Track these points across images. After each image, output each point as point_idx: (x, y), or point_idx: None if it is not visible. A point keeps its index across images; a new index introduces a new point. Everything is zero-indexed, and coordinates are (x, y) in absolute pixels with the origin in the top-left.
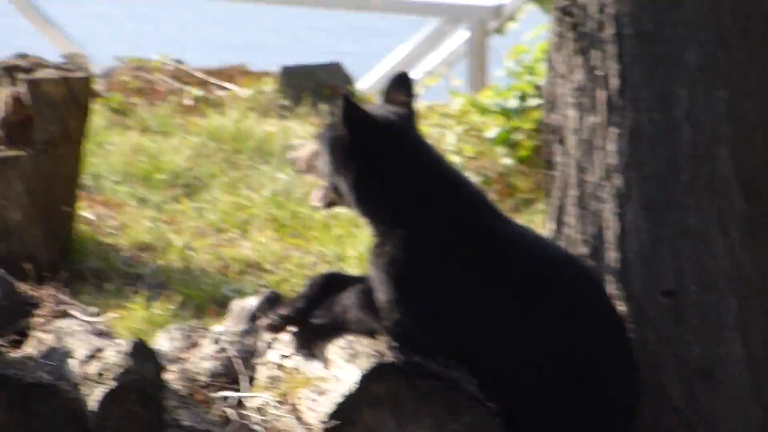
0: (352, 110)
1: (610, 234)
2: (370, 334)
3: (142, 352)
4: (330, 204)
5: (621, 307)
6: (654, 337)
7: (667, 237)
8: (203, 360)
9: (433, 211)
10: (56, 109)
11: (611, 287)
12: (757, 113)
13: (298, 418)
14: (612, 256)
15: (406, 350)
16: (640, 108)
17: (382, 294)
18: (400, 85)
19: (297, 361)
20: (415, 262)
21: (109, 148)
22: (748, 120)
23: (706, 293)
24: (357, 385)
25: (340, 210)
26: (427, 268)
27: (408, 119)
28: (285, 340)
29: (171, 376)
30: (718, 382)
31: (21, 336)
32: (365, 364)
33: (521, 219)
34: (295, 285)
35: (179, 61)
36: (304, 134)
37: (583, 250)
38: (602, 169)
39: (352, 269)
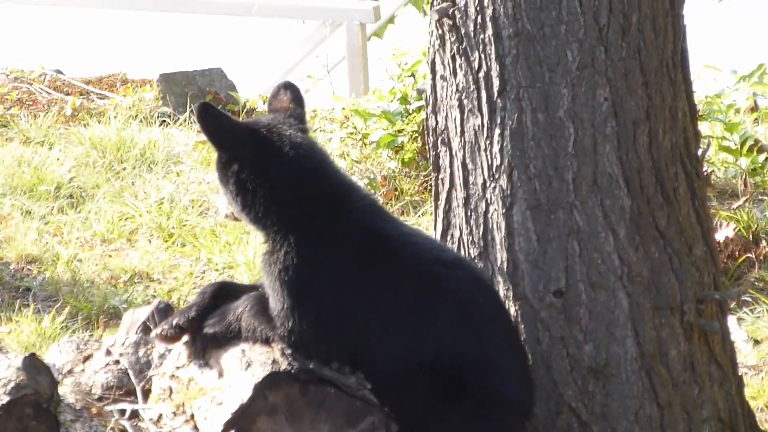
0: (211, 119)
1: (498, 235)
2: (265, 341)
3: (34, 365)
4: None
5: (512, 307)
6: (546, 336)
7: (555, 236)
8: (96, 372)
9: (324, 217)
10: None
11: (501, 288)
12: (639, 110)
13: (195, 428)
14: (501, 256)
15: (301, 357)
16: (523, 108)
17: (275, 301)
18: (285, 92)
19: (191, 371)
20: (309, 269)
21: None
22: (632, 117)
23: (596, 292)
24: (251, 394)
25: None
26: (320, 275)
27: (293, 125)
28: (178, 350)
29: (65, 389)
30: (611, 380)
31: None
32: (260, 372)
33: (409, 221)
34: (185, 294)
35: (59, 72)
36: (186, 141)
37: (472, 251)
38: (487, 170)
39: (242, 277)
